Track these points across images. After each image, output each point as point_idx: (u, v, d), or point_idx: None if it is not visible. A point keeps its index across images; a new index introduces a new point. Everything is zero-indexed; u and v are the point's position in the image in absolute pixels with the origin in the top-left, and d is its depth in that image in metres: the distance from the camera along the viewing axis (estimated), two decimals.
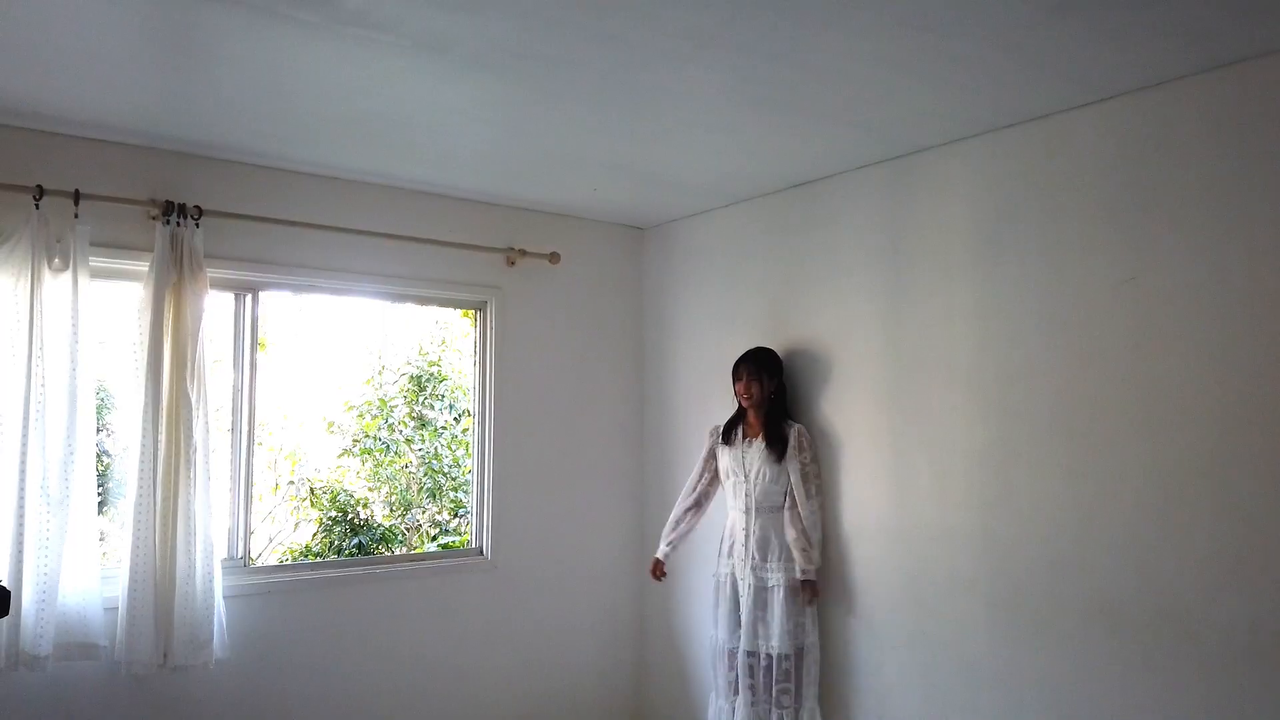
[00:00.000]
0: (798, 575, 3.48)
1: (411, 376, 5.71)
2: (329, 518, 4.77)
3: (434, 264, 3.96)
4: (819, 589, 3.51)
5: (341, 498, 4.90)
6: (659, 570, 3.80)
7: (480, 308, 4.19)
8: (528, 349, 4.22)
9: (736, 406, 3.71)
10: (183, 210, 3.23)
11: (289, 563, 4.72)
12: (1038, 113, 2.93)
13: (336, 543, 4.69)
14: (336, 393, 5.34)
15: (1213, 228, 2.57)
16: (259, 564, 3.84)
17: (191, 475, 3.14)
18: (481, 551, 4.09)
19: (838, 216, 3.64)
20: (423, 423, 5.74)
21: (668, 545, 3.78)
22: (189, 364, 3.17)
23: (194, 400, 3.16)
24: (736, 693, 3.51)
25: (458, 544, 4.51)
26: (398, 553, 4.87)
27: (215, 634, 3.15)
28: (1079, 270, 2.86)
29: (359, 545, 4.56)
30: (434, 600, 3.88)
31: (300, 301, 4.88)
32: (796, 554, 3.48)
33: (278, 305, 5.13)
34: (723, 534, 3.68)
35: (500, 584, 4.07)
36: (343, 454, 5.09)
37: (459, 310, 4.29)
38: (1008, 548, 3.03)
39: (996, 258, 3.09)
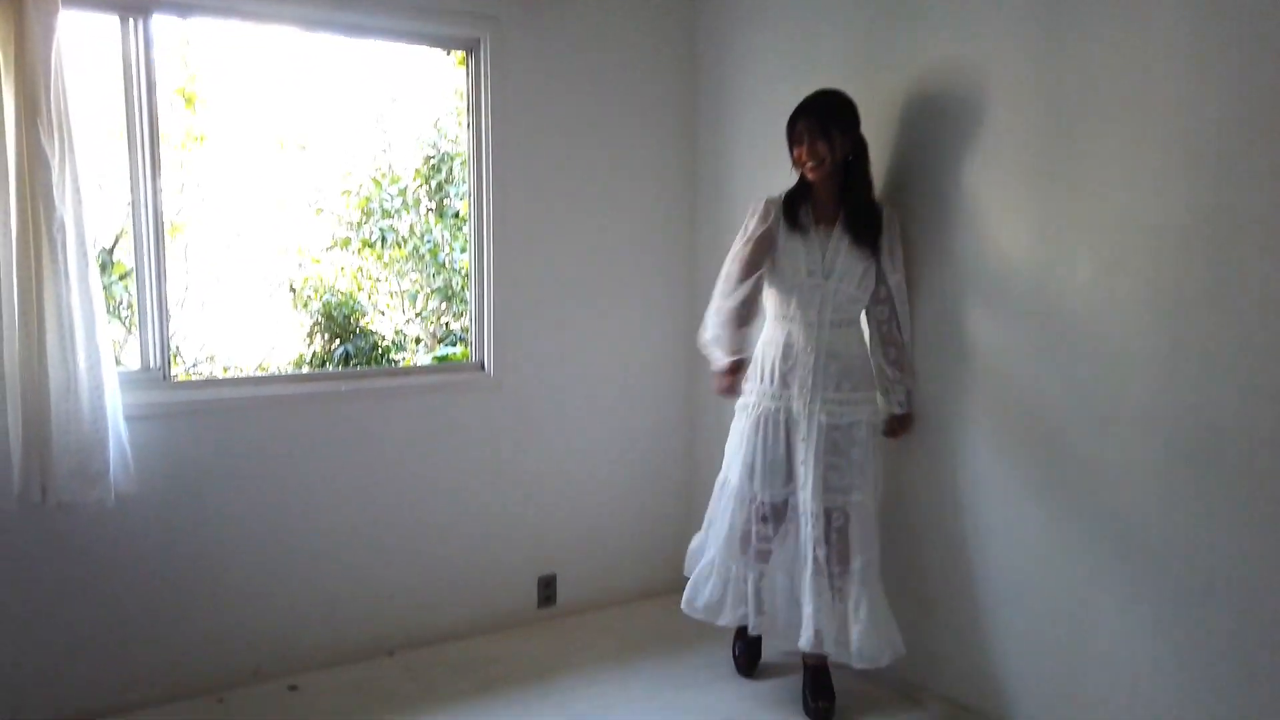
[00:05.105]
0: (895, 408, 2.66)
1: (426, 158, 4.75)
2: (314, 324, 4.02)
3: None
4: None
5: (331, 299, 4.12)
6: (732, 380, 2.61)
7: (471, 47, 3.14)
8: (539, 107, 3.20)
9: (798, 178, 2.67)
10: None
11: (229, 377, 3.81)
12: None
13: (319, 352, 3.96)
14: (321, 171, 4.40)
15: None
16: (195, 378, 3.09)
17: (59, 259, 2.33)
18: (483, 366, 3.28)
19: None
20: (441, 213, 4.84)
21: (735, 350, 2.61)
22: (42, 109, 2.29)
23: (52, 158, 2.30)
24: (765, 562, 2.72)
25: (457, 357, 3.71)
26: (402, 365, 4.12)
27: (112, 463, 2.43)
28: None
29: (345, 355, 3.82)
30: (419, 424, 3.11)
31: (235, 38, 3.85)
32: (893, 380, 2.65)
33: (214, 46, 4.08)
34: (762, 356, 2.71)
35: (506, 405, 3.27)
36: (331, 246, 4.25)
37: (445, 52, 3.27)
38: (1207, 370, 2.04)
39: None
